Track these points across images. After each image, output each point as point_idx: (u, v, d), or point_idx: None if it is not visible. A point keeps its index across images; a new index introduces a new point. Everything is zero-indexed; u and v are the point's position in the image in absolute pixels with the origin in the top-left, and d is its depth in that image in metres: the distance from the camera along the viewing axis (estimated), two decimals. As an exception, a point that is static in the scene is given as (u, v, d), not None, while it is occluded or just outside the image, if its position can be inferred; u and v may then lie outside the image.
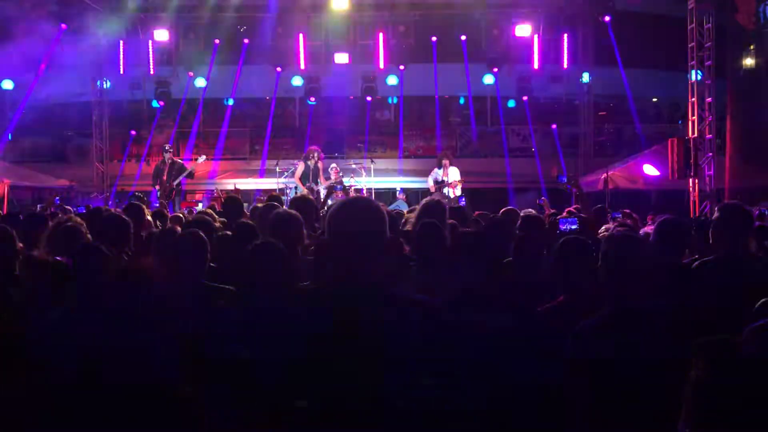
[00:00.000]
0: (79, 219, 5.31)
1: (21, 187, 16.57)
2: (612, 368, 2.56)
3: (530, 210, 7.60)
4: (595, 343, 2.61)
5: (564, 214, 6.88)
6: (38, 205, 10.69)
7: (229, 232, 5.36)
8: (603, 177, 14.54)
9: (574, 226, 4.46)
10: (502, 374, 2.62)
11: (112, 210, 7.20)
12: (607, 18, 17.39)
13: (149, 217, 6.63)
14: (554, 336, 2.77)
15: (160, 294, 3.28)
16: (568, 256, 3.44)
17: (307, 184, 13.34)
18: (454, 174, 13.50)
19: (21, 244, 4.70)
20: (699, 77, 13.47)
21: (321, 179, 13.43)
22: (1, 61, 16.89)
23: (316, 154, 13.49)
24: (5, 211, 12.49)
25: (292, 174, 14.38)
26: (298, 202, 5.78)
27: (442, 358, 2.17)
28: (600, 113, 20.87)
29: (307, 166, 13.44)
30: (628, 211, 7.30)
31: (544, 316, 3.18)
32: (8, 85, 17.92)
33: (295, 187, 13.84)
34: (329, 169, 13.77)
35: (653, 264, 2.83)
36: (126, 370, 2.25)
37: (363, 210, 2.25)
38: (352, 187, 15.32)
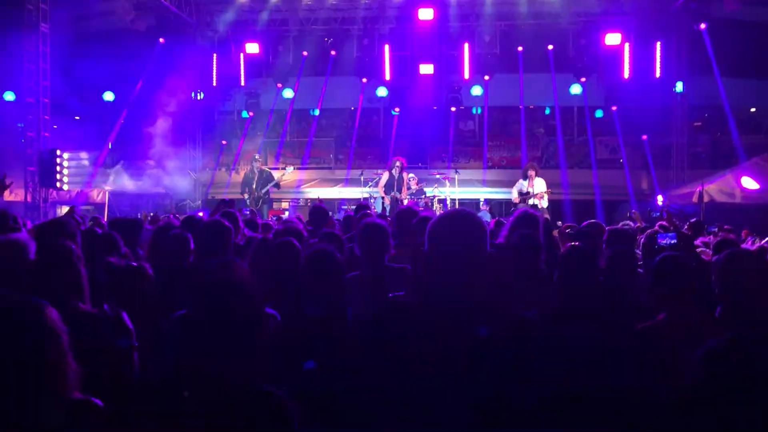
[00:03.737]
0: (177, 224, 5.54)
1: (120, 194, 17.39)
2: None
3: (628, 223, 7.39)
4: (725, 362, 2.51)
5: (656, 228, 6.66)
6: (142, 213, 11.18)
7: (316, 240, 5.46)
8: (698, 190, 13.99)
9: (673, 241, 4.30)
10: (602, 390, 2.55)
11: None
12: (702, 25, 16.77)
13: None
14: (657, 354, 2.68)
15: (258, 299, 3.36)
16: (667, 273, 3.31)
17: (391, 194, 13.49)
18: (539, 185, 13.31)
19: (127, 249, 4.95)
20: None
21: (404, 189, 13.55)
22: (103, 74, 17.81)
23: (399, 164, 13.64)
24: (105, 218, 13.15)
25: (377, 183, 14.55)
26: (403, 213, 5.85)
27: (539, 373, 2.13)
28: (694, 124, 20.10)
29: (391, 176, 13.62)
30: (727, 226, 6.99)
31: (646, 333, 3.08)
32: (109, 96, 18.87)
33: (381, 197, 14.01)
34: (408, 179, 13.88)
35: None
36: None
37: (463, 222, 2.22)
38: (435, 198, 15.36)
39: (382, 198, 13.74)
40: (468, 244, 2.17)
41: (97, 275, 3.36)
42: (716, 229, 6.41)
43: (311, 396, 2.82)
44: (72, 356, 2.16)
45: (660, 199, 15.64)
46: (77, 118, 18.82)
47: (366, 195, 15.55)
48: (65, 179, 13.66)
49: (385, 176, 13.84)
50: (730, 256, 2.78)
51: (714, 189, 14.65)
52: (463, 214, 2.27)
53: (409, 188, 13.74)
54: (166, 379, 2.45)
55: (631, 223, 8.03)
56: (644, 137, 19.08)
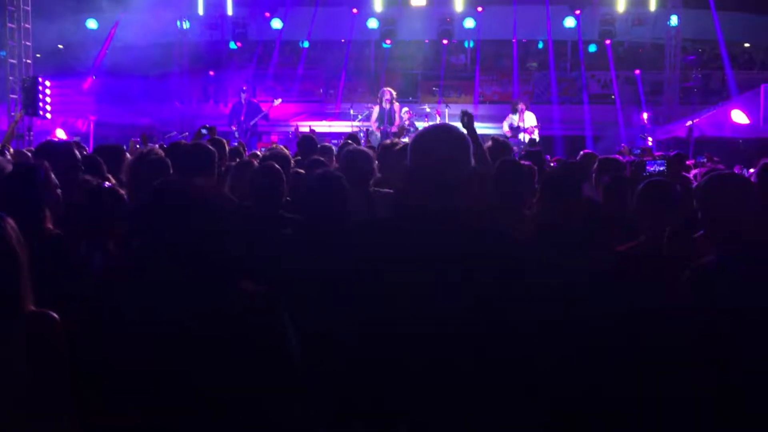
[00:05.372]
0: (161, 152, 5.47)
1: (105, 124, 17.11)
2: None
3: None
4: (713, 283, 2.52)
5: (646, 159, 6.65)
6: (130, 142, 11.01)
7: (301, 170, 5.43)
8: (687, 124, 13.96)
9: (661, 168, 4.30)
10: (580, 310, 2.57)
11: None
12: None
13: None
14: (632, 275, 2.70)
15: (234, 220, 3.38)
16: (649, 196, 3.34)
17: (382, 127, 13.30)
18: (530, 119, 13.21)
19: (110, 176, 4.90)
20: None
21: (396, 120, 13.33)
22: (86, 1, 17.33)
23: (389, 96, 13.37)
24: (91, 147, 12.99)
25: (368, 118, 14.36)
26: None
27: (520, 293, 2.10)
28: (688, 58, 19.88)
29: (382, 109, 13.37)
30: (716, 158, 7.00)
31: (623, 255, 3.10)
32: (93, 24, 18.39)
33: (368, 130, 13.83)
34: (402, 113, 13.65)
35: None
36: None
37: (444, 136, 2.15)
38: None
39: (372, 132, 13.54)
40: (449, 157, 2.11)
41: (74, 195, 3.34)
42: (705, 160, 6.39)
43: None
44: (29, 271, 2.15)
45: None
46: (60, 46, 18.39)
47: (356, 129, 15.36)
48: (48, 107, 13.40)
49: (376, 110, 13.60)
50: (711, 177, 2.77)
51: (704, 123, 14.61)
52: (444, 127, 2.21)
53: (401, 120, 13.53)
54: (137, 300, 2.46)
55: (620, 157, 8.01)
56: (637, 72, 18.89)
